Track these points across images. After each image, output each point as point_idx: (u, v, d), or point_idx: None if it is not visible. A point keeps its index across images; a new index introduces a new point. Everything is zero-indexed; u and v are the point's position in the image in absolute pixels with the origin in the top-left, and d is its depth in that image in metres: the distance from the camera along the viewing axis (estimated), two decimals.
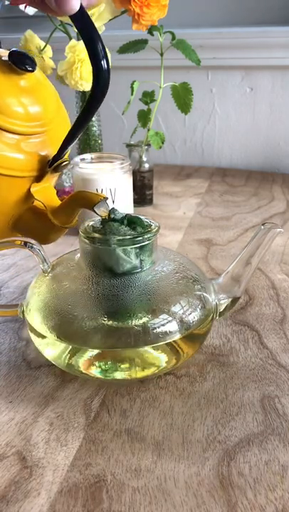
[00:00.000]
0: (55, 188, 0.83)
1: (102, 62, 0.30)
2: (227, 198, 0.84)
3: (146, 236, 0.34)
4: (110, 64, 0.31)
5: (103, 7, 0.62)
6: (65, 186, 0.81)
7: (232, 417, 0.33)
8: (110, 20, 0.65)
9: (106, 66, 0.31)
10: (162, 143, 0.72)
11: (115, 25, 0.68)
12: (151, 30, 0.68)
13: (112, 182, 0.61)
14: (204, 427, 0.32)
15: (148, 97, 0.72)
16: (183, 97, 0.69)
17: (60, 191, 0.77)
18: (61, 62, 0.66)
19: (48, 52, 0.73)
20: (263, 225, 0.37)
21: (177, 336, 0.34)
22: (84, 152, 0.77)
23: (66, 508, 0.26)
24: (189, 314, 0.34)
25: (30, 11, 0.73)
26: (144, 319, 0.33)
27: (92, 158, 0.65)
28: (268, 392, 0.35)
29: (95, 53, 0.30)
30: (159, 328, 0.33)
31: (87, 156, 0.65)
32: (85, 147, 0.78)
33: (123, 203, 0.63)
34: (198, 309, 0.35)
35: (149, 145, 0.74)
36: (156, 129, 0.73)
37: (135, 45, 0.70)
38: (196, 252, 0.61)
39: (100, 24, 0.64)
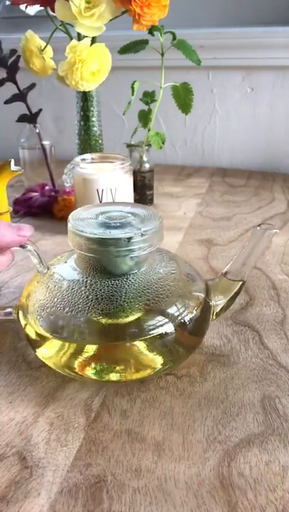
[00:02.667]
0: (56, 187, 0.82)
1: None
2: (227, 198, 0.84)
3: (143, 245, 0.33)
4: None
5: (104, 7, 0.62)
6: (65, 186, 0.81)
7: (232, 418, 0.33)
8: (111, 20, 0.64)
9: None
10: (163, 143, 0.72)
11: (116, 25, 0.68)
12: (151, 30, 0.68)
13: (112, 182, 0.61)
14: (204, 428, 0.32)
15: (149, 97, 0.72)
16: (183, 97, 0.69)
17: (60, 191, 0.77)
18: (62, 63, 0.66)
19: (49, 52, 0.73)
20: (259, 226, 0.37)
21: (173, 337, 0.33)
22: (84, 152, 0.77)
23: (66, 508, 0.26)
24: (186, 315, 0.34)
25: (31, 10, 0.73)
26: (141, 320, 0.33)
27: (92, 158, 0.65)
28: (269, 393, 0.35)
29: None
30: (155, 329, 0.33)
31: (88, 156, 0.65)
32: (86, 147, 0.78)
33: None
34: (194, 310, 0.35)
35: (149, 145, 0.74)
36: (156, 129, 0.73)
37: (136, 46, 0.70)
38: (197, 252, 0.61)
39: (100, 24, 0.64)
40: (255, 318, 0.45)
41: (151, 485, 0.28)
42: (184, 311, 0.34)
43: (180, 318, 0.34)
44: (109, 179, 0.61)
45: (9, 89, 0.73)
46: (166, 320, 0.33)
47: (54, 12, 0.64)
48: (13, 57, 0.73)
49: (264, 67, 1.00)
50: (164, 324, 0.33)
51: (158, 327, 0.33)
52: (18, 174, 0.54)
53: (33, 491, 0.27)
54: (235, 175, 1.01)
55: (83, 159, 0.64)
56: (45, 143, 0.81)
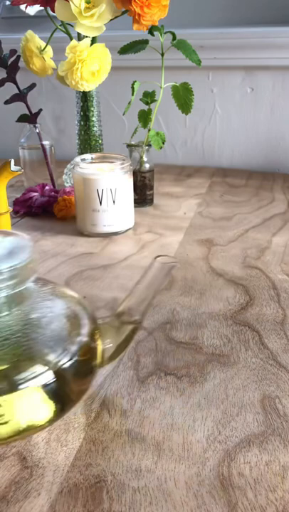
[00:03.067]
0: (56, 187, 0.82)
1: None
2: (227, 198, 0.84)
3: (6, 284, 0.28)
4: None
5: (104, 7, 0.62)
6: (65, 186, 0.81)
7: (232, 418, 0.33)
8: (111, 20, 0.65)
9: None
10: (163, 143, 0.72)
11: (116, 25, 0.68)
12: (151, 30, 0.68)
13: (112, 182, 0.61)
14: (205, 428, 0.32)
15: (149, 97, 0.72)
16: (183, 97, 0.69)
17: (60, 191, 0.77)
18: (62, 63, 0.66)
19: (49, 52, 0.73)
20: (156, 257, 0.33)
21: (49, 389, 0.29)
22: (84, 152, 0.77)
23: (66, 508, 0.26)
24: (62, 363, 0.29)
25: (31, 10, 0.73)
26: (6, 372, 0.28)
27: (92, 159, 0.65)
28: (269, 393, 0.35)
29: None
30: (26, 381, 0.28)
31: (88, 156, 0.65)
32: (86, 147, 0.78)
33: (123, 203, 0.63)
34: (74, 356, 0.30)
35: (149, 145, 0.74)
36: (156, 129, 0.73)
37: (136, 46, 0.70)
38: (197, 252, 0.61)
39: (100, 24, 0.64)
40: (255, 318, 0.45)
41: (151, 485, 0.28)
42: (59, 359, 0.29)
43: (55, 368, 0.29)
44: (109, 179, 0.61)
45: (9, 89, 0.73)
46: (40, 370, 0.28)
47: (54, 12, 0.64)
48: (13, 57, 0.73)
49: (264, 67, 1.00)
50: (36, 375, 0.28)
51: (29, 380, 0.28)
52: (18, 174, 0.54)
53: (33, 491, 0.27)
54: (235, 175, 1.01)
55: (83, 159, 0.64)
56: (45, 143, 0.81)
